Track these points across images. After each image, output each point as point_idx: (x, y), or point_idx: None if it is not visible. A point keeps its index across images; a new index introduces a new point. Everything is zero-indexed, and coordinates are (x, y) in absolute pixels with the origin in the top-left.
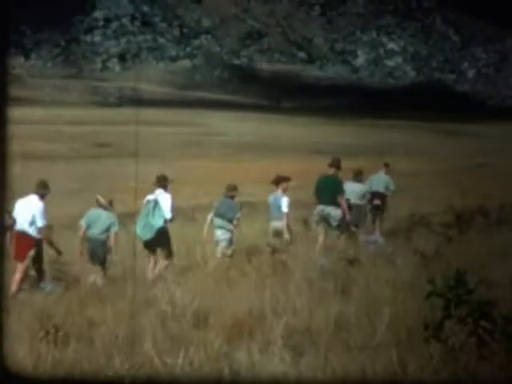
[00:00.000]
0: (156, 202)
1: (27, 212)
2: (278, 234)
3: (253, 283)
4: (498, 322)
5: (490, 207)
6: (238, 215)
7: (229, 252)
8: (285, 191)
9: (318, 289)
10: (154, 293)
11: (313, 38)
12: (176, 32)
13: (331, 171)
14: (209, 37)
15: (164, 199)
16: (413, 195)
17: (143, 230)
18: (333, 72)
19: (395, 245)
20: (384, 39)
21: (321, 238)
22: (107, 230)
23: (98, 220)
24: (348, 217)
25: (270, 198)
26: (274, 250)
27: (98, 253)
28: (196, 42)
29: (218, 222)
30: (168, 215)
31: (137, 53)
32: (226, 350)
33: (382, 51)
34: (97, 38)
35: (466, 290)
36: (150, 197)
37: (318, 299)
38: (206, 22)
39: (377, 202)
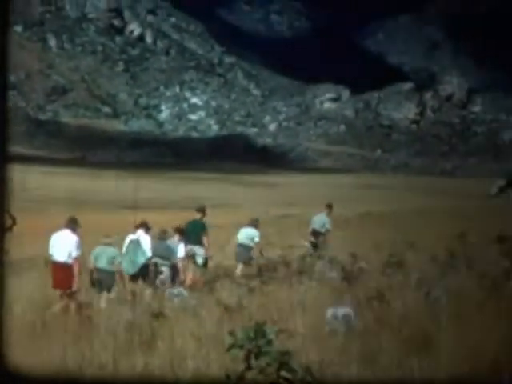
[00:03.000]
0: (138, 242)
1: (65, 245)
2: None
3: (58, 339)
4: (298, 372)
5: (292, 258)
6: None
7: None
8: (181, 240)
9: (123, 342)
10: None
11: (117, 94)
12: None
13: (198, 216)
14: (14, 92)
15: (144, 240)
16: (217, 247)
17: (128, 267)
18: (137, 126)
19: (199, 297)
20: (187, 94)
21: (189, 275)
22: (112, 261)
23: (104, 254)
24: (208, 253)
25: (170, 243)
26: (80, 306)
27: (106, 282)
28: None
29: (159, 261)
30: (149, 254)
31: None
32: None
33: (185, 106)
34: None
35: (266, 341)
36: (133, 237)
37: (123, 353)
38: (11, 77)
39: (311, 239)
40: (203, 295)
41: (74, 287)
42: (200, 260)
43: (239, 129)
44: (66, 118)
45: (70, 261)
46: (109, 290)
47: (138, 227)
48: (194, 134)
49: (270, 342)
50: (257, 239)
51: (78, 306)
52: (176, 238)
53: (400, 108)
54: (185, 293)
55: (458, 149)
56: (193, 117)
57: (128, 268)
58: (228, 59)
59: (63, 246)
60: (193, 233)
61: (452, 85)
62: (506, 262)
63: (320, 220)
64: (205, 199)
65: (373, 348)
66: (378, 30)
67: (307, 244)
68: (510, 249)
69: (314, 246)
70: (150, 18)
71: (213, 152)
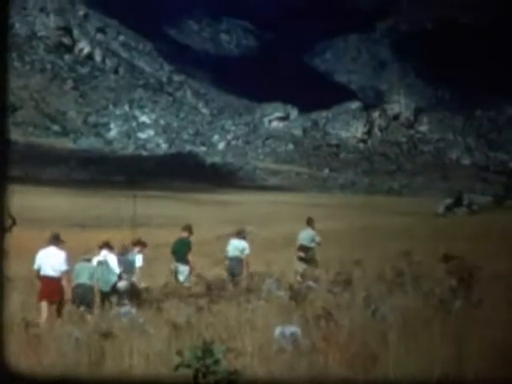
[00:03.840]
0: (106, 262)
1: (54, 260)
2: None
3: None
4: None
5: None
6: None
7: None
8: (140, 252)
9: (71, 362)
10: None
11: (66, 112)
12: None
13: (185, 234)
14: None
15: (111, 259)
16: (164, 266)
17: (103, 285)
18: (87, 145)
19: (148, 316)
20: (136, 112)
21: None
22: (92, 276)
23: (85, 269)
24: (193, 271)
25: (130, 256)
26: (28, 325)
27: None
28: None
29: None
30: (117, 271)
31: None
32: None
33: (134, 124)
34: None
35: (214, 360)
36: (99, 258)
37: (72, 372)
38: None
39: (300, 254)
40: (152, 314)
41: (60, 298)
42: (182, 277)
43: (188, 147)
44: (15, 135)
45: (58, 274)
46: (88, 305)
47: (101, 247)
48: (143, 153)
49: (217, 362)
50: (247, 251)
51: (26, 325)
52: (136, 250)
53: (348, 127)
54: (133, 311)
55: (406, 168)
56: (142, 135)
57: (102, 286)
58: (177, 78)
59: (52, 261)
60: (178, 251)
61: (399, 104)
62: (453, 281)
63: (307, 235)
64: (154, 218)
65: (320, 366)
66: (326, 48)
67: (296, 260)
68: (457, 267)
69: (303, 260)
70: (99, 36)
71: (162, 170)
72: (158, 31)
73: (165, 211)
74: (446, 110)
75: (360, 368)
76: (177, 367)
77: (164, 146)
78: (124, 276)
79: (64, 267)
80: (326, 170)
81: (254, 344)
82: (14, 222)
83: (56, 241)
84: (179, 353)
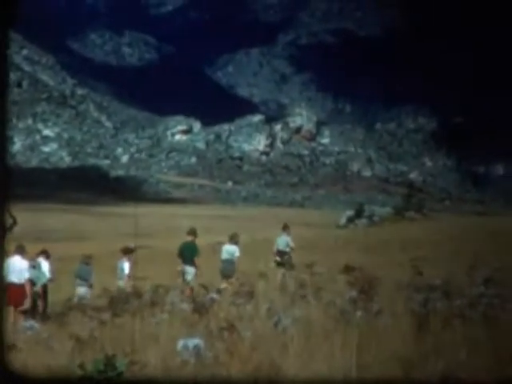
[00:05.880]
0: (40, 265)
1: (18, 268)
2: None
3: None
4: None
5: (145, 289)
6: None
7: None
8: (129, 259)
9: None
10: None
11: None
12: None
13: (190, 238)
14: None
15: (44, 264)
16: (67, 280)
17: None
18: None
19: (51, 329)
20: (39, 126)
21: (188, 292)
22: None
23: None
24: (199, 273)
25: (118, 263)
26: None
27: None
28: None
29: (78, 282)
30: (48, 275)
31: None
32: None
33: (37, 137)
34: None
35: (116, 373)
36: (34, 262)
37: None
38: None
39: (277, 258)
40: (55, 328)
41: (27, 304)
42: (189, 277)
43: (92, 160)
44: None
45: (22, 281)
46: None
47: (38, 255)
48: (47, 166)
49: (120, 374)
50: (237, 254)
51: None
52: (124, 258)
53: (250, 140)
54: (37, 326)
55: (308, 180)
56: (45, 148)
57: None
58: (80, 91)
59: (17, 269)
60: (185, 254)
61: (301, 117)
62: (353, 292)
63: (283, 241)
64: (57, 231)
65: (223, 378)
66: (228, 62)
67: (273, 264)
68: (357, 279)
69: (280, 264)
70: None
71: (65, 184)
72: (60, 45)
73: (68, 224)
74: (346, 123)
75: (262, 379)
76: (79, 381)
77: (67, 159)
78: (80, 282)
79: (27, 275)
80: (230, 183)
81: (157, 357)
82: (14, 222)
83: (21, 250)
84: (81, 366)
